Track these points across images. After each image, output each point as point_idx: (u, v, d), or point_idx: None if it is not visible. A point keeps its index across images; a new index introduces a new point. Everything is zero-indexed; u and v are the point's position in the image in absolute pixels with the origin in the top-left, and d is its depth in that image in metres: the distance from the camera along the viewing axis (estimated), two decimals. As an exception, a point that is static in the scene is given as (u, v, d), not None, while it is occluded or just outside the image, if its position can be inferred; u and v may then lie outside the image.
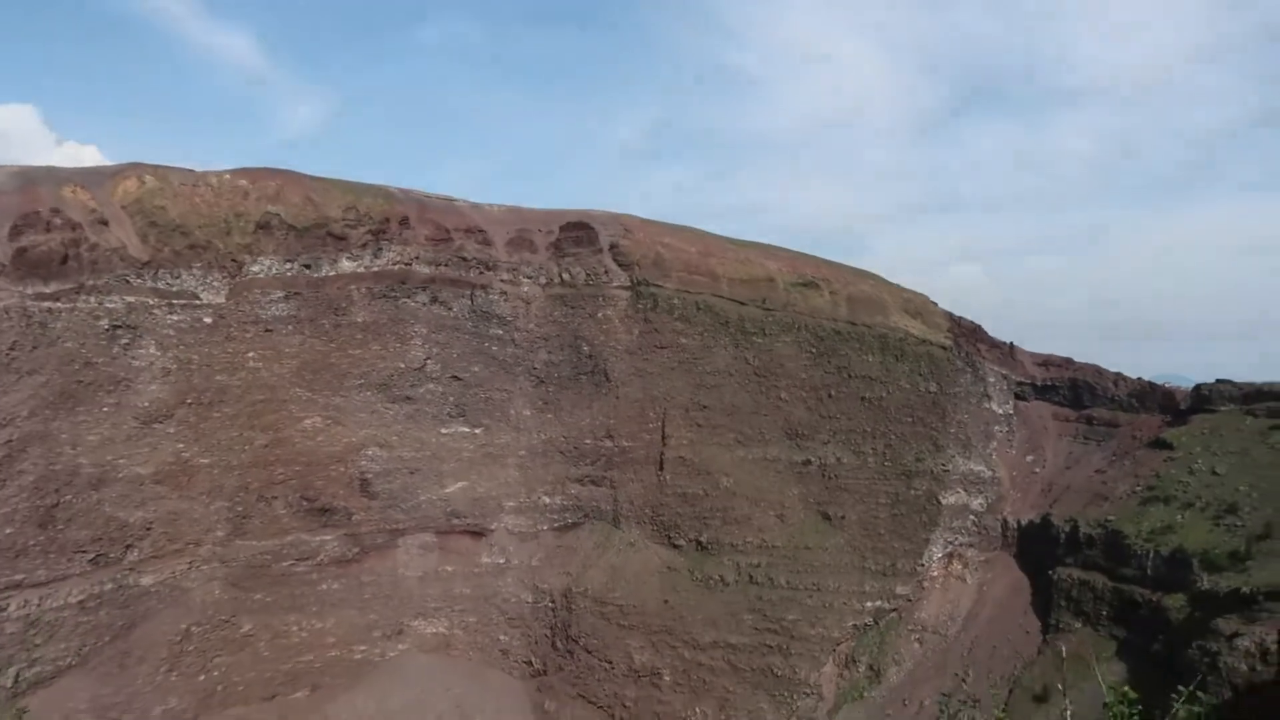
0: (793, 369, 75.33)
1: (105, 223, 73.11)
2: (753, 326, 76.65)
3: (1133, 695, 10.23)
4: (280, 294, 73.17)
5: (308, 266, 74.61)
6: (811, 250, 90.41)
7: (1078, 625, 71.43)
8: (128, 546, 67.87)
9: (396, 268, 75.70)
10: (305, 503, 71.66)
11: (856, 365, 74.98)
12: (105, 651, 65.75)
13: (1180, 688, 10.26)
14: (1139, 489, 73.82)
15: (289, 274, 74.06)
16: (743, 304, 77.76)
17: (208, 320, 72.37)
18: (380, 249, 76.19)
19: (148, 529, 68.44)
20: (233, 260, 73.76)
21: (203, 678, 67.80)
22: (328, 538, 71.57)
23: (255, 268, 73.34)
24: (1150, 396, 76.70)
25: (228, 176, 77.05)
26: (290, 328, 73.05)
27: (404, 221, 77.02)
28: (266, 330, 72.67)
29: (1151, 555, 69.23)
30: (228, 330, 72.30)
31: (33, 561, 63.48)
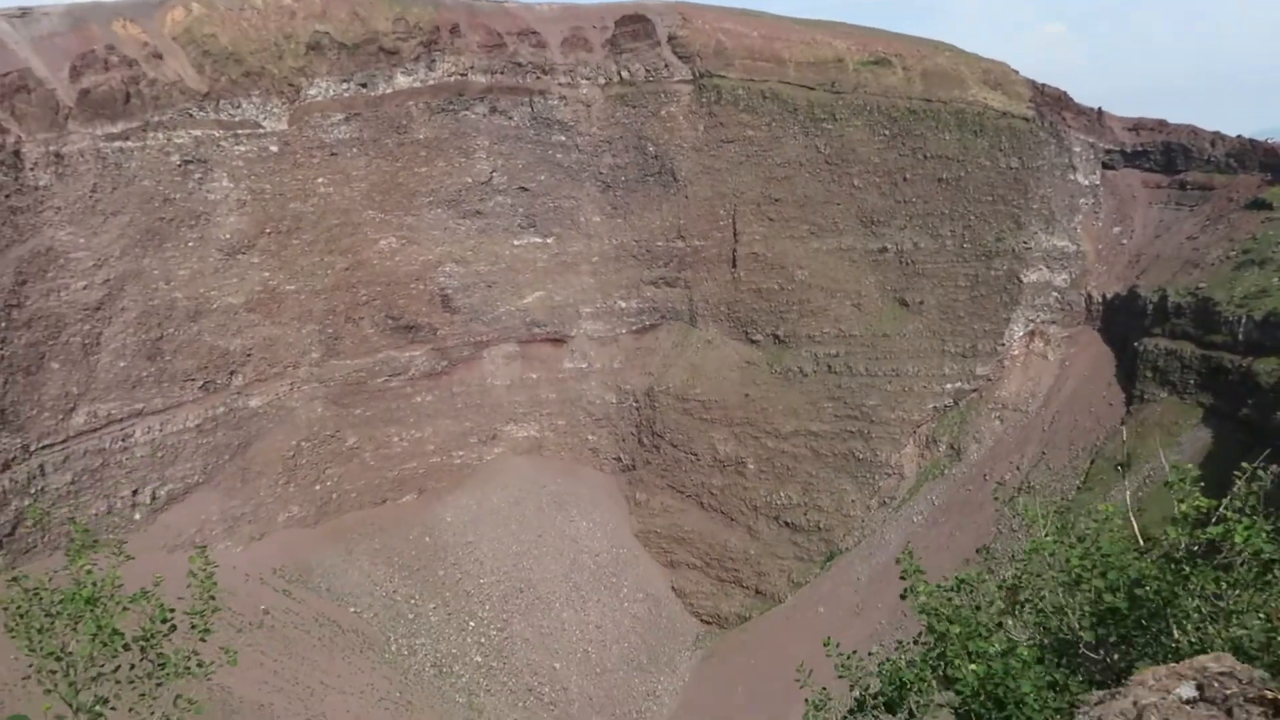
0: (865, 154, 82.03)
1: (160, 56, 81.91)
2: (822, 112, 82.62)
3: (1194, 473, 10.64)
4: (340, 116, 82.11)
5: (364, 85, 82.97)
6: (882, 23, 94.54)
7: (1163, 395, 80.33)
8: (231, 373, 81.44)
9: (453, 79, 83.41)
10: (391, 321, 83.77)
11: (933, 145, 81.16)
12: (227, 469, 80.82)
13: (1244, 465, 10.55)
14: (1233, 253, 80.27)
15: (346, 94, 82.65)
16: (811, 89, 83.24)
17: (274, 149, 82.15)
18: (434, 61, 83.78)
19: (248, 355, 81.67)
20: (289, 85, 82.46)
21: (318, 487, 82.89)
22: (416, 353, 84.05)
23: (312, 91, 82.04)
24: (1250, 155, 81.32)
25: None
26: (355, 150, 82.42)
27: (454, 29, 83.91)
28: (332, 154, 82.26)
29: (1244, 320, 76.50)
30: (294, 157, 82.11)
31: (148, 391, 77.35)
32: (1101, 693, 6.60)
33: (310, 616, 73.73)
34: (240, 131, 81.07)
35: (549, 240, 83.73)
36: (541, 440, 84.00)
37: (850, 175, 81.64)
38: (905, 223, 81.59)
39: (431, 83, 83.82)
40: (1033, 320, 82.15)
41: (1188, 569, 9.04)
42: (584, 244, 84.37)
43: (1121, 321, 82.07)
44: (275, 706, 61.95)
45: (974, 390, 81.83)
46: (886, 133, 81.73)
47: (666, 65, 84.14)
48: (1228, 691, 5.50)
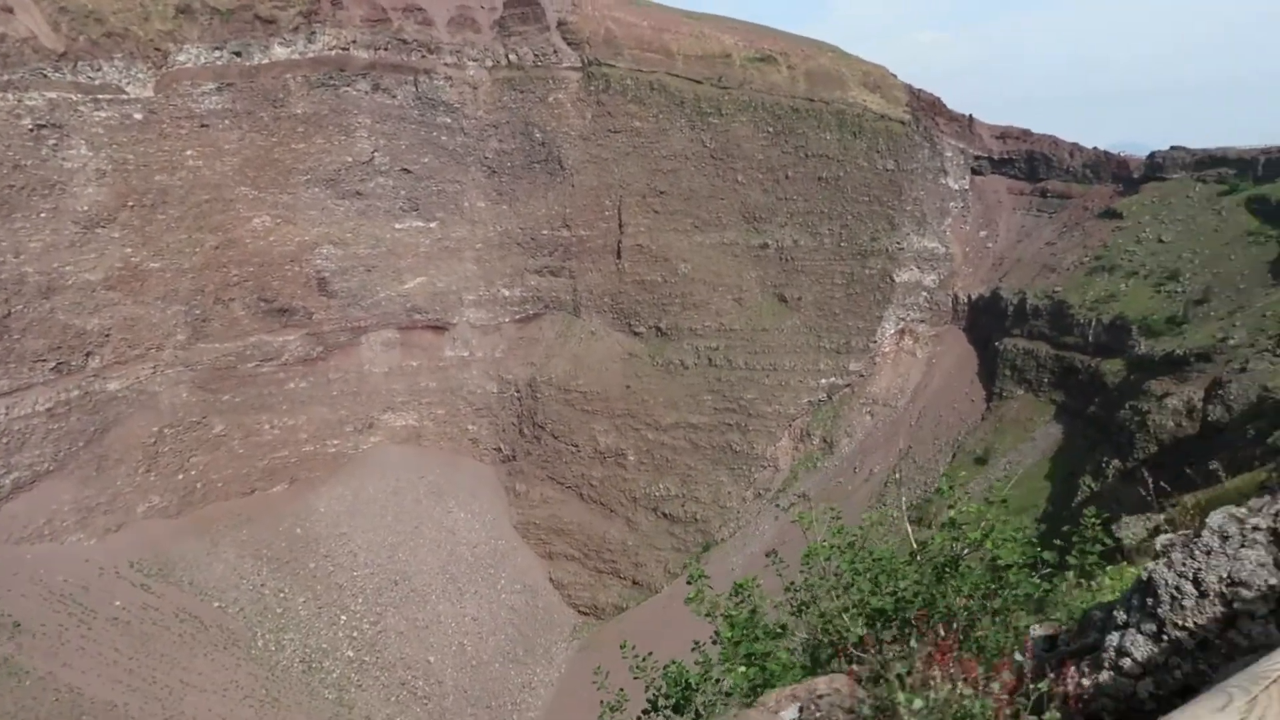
0: (750, 150, 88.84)
1: (9, 10, 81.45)
2: (709, 106, 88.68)
3: (964, 478, 12.19)
4: (212, 85, 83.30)
5: (238, 54, 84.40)
6: (769, 20, 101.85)
7: (1020, 392, 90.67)
8: (88, 354, 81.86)
9: (333, 53, 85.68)
10: (264, 304, 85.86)
11: (814, 144, 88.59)
12: (81, 456, 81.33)
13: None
14: (1086, 259, 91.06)
15: (219, 63, 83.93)
16: (698, 82, 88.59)
17: (138, 116, 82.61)
18: (314, 32, 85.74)
19: (106, 335, 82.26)
20: (156, 49, 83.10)
21: (181, 476, 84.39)
22: (290, 338, 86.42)
23: (181, 57, 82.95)
24: (1104, 166, 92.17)
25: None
26: (227, 122, 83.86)
27: (336, 1, 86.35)
28: (202, 125, 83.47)
29: (1093, 323, 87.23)
30: (160, 127, 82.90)
31: (-7, 371, 78.01)
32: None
33: (170, 612, 75.43)
34: (101, 96, 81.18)
35: (432, 225, 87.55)
36: (420, 429, 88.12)
37: (735, 171, 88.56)
38: (786, 220, 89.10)
39: (311, 55, 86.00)
40: (903, 319, 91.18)
41: (947, 572, 9.61)
42: (468, 230, 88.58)
43: (984, 322, 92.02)
44: (130, 707, 63.74)
45: (847, 385, 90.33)
46: (770, 130, 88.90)
47: (555, 50, 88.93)
48: (818, 715, 5.96)
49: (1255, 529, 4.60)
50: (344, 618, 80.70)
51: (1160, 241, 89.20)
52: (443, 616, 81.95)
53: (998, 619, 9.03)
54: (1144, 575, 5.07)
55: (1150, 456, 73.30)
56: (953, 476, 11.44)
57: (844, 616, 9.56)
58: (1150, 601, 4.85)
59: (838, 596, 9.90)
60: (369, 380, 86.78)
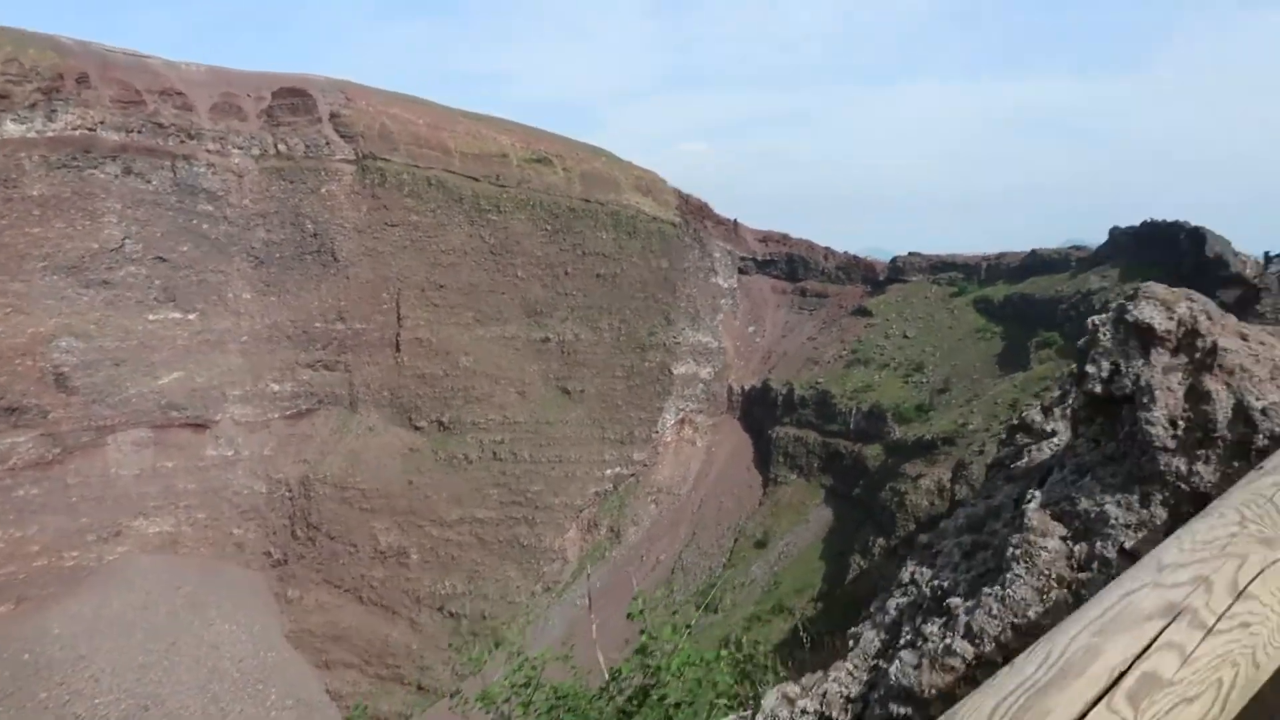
0: (529, 246, 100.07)
1: None
2: (487, 203, 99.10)
3: (661, 598, 13.99)
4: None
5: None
6: (549, 125, 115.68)
7: (793, 477, 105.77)
8: None
9: (78, 133, 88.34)
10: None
11: (591, 242, 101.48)
12: None
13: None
14: (844, 353, 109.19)
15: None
16: (476, 180, 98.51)
17: None
18: (54, 111, 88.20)
19: None
20: None
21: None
22: (20, 439, 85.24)
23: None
24: (854, 268, 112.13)
25: None
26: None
27: (82, 79, 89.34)
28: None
29: (854, 412, 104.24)
30: None
31: None
32: None
33: None
34: None
35: (191, 316, 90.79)
36: (177, 536, 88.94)
37: (514, 266, 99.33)
38: (567, 314, 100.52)
39: (50, 134, 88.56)
40: (682, 409, 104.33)
41: (632, 704, 9.55)
42: (232, 321, 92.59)
43: (758, 411, 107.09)
44: None
45: (631, 475, 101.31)
46: (549, 228, 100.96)
47: (328, 142, 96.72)
48: None
49: (804, 712, 5.22)
50: (81, 755, 79.29)
51: (905, 337, 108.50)
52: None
53: None
54: None
55: (909, 534, 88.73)
56: (648, 599, 11.12)
57: None
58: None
59: None
60: (116, 484, 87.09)
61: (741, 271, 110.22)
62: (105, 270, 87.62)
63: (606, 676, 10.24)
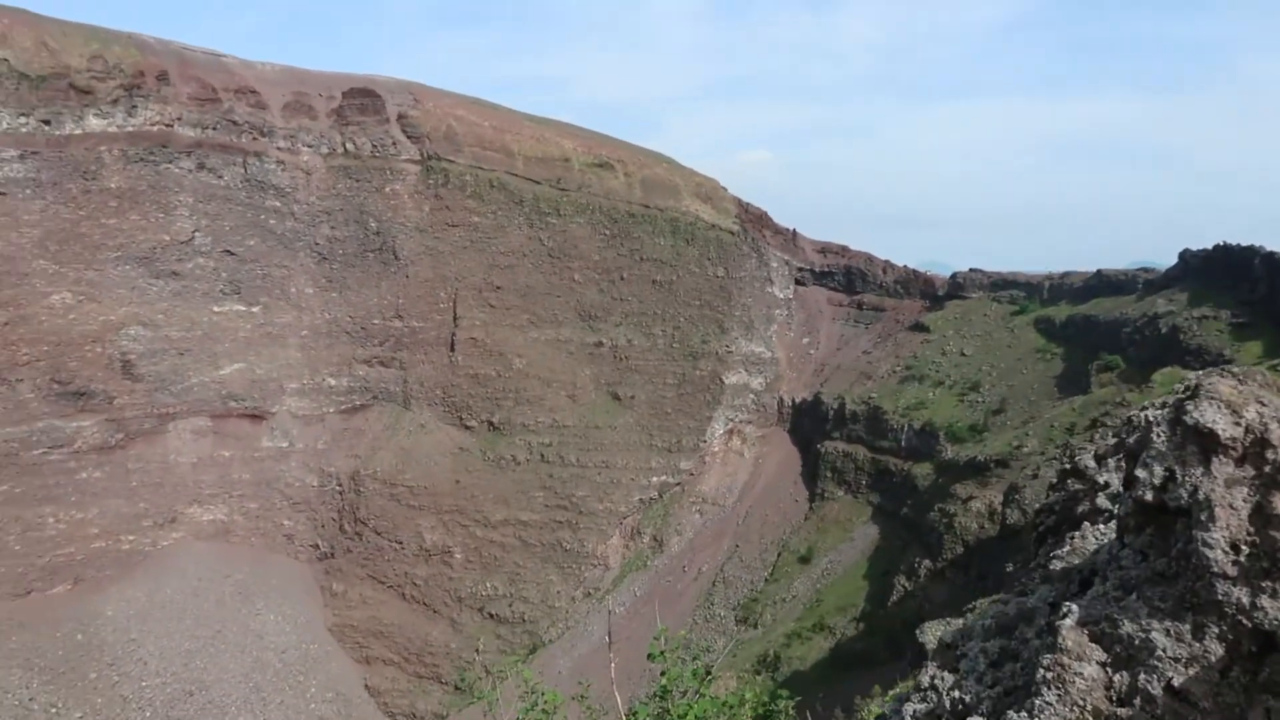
0: (586, 250, 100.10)
1: None
2: (547, 206, 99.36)
3: (683, 636, 11.34)
4: (14, 153, 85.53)
5: (46, 123, 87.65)
6: (607, 129, 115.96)
7: (840, 493, 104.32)
8: None
9: (156, 129, 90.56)
10: (57, 386, 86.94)
11: (649, 248, 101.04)
12: None
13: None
14: (898, 369, 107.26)
15: (24, 130, 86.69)
16: (537, 183, 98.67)
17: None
18: (135, 107, 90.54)
19: None
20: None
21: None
22: (86, 423, 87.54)
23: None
24: (913, 283, 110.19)
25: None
26: (29, 192, 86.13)
27: (162, 76, 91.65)
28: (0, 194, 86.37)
29: (905, 429, 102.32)
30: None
31: None
32: None
33: None
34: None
35: (255, 309, 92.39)
36: (230, 524, 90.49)
37: (571, 270, 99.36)
38: (621, 319, 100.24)
39: (130, 129, 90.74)
40: (732, 419, 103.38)
41: None
42: (294, 315, 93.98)
43: (807, 424, 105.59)
44: None
45: (677, 484, 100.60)
46: (607, 232, 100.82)
47: (395, 143, 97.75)
48: None
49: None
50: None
51: (963, 355, 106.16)
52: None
53: None
54: None
55: (957, 557, 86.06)
56: (673, 639, 10.71)
57: None
58: None
59: None
60: (174, 471, 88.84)
61: (798, 282, 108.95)
62: (175, 262, 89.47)
63: (623, 718, 9.98)
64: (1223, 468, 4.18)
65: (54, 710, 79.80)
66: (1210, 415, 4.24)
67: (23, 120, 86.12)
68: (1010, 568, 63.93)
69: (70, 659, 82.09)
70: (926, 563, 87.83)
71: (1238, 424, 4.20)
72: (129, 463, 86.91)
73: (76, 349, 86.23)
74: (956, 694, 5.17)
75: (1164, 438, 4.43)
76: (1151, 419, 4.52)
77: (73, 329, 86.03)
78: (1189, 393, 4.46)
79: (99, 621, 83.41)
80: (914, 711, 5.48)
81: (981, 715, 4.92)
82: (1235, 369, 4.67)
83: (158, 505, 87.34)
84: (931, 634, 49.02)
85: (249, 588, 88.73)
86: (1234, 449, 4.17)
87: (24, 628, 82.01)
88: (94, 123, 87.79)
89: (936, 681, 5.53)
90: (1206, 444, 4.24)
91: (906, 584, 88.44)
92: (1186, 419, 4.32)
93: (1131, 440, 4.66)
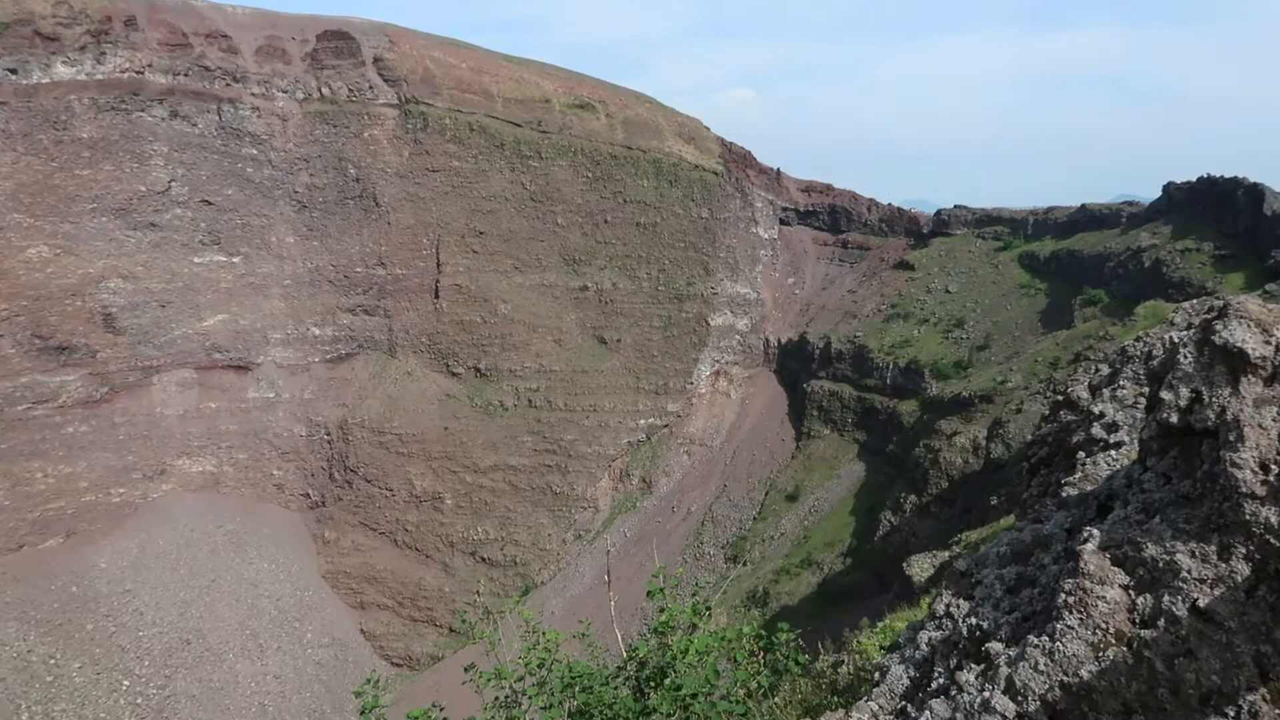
0: (569, 194, 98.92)
1: None
2: (529, 149, 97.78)
3: (679, 574, 11.02)
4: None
5: (13, 71, 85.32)
6: (589, 71, 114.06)
7: (826, 432, 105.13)
8: None
9: (126, 76, 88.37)
10: (38, 341, 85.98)
11: (632, 190, 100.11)
12: None
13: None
14: (884, 307, 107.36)
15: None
16: (518, 125, 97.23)
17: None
18: (103, 53, 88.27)
19: None
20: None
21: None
22: (69, 378, 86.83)
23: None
24: (898, 221, 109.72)
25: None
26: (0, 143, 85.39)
27: (130, 22, 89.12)
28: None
29: (891, 367, 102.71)
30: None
31: None
32: None
33: None
34: None
35: (235, 259, 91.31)
36: (219, 475, 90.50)
37: (554, 213, 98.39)
38: (605, 263, 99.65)
39: (100, 77, 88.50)
40: (718, 361, 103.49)
41: (650, 688, 9.21)
42: (275, 265, 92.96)
43: (793, 364, 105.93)
44: None
45: (665, 426, 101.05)
46: (589, 175, 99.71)
47: (371, 86, 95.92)
48: None
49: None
50: (126, 683, 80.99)
51: (947, 292, 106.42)
52: (241, 676, 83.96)
53: None
54: None
55: (942, 492, 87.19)
56: (668, 576, 10.57)
57: None
58: None
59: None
60: (161, 423, 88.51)
61: (783, 222, 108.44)
62: (152, 213, 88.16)
63: (624, 656, 9.98)
64: (1252, 387, 4.10)
65: (52, 661, 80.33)
66: (1240, 334, 4.15)
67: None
68: (995, 501, 64.87)
69: (66, 611, 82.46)
70: (912, 498, 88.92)
71: (1268, 343, 4.11)
72: (115, 416, 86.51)
73: (56, 303, 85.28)
74: (973, 620, 5.16)
75: (1191, 359, 4.35)
76: (1177, 340, 4.43)
77: (51, 283, 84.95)
78: (1216, 313, 4.36)
79: (93, 574, 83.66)
80: (930, 639, 5.46)
81: (1000, 640, 4.90)
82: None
83: (146, 458, 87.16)
84: (918, 567, 49.63)
85: (241, 537, 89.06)
86: (1263, 368, 4.09)
87: (18, 581, 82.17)
88: (62, 71, 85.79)
89: (952, 609, 5.51)
90: (1235, 364, 4.16)
91: (892, 519, 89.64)
92: (1215, 339, 4.23)
93: (1155, 363, 4.57)
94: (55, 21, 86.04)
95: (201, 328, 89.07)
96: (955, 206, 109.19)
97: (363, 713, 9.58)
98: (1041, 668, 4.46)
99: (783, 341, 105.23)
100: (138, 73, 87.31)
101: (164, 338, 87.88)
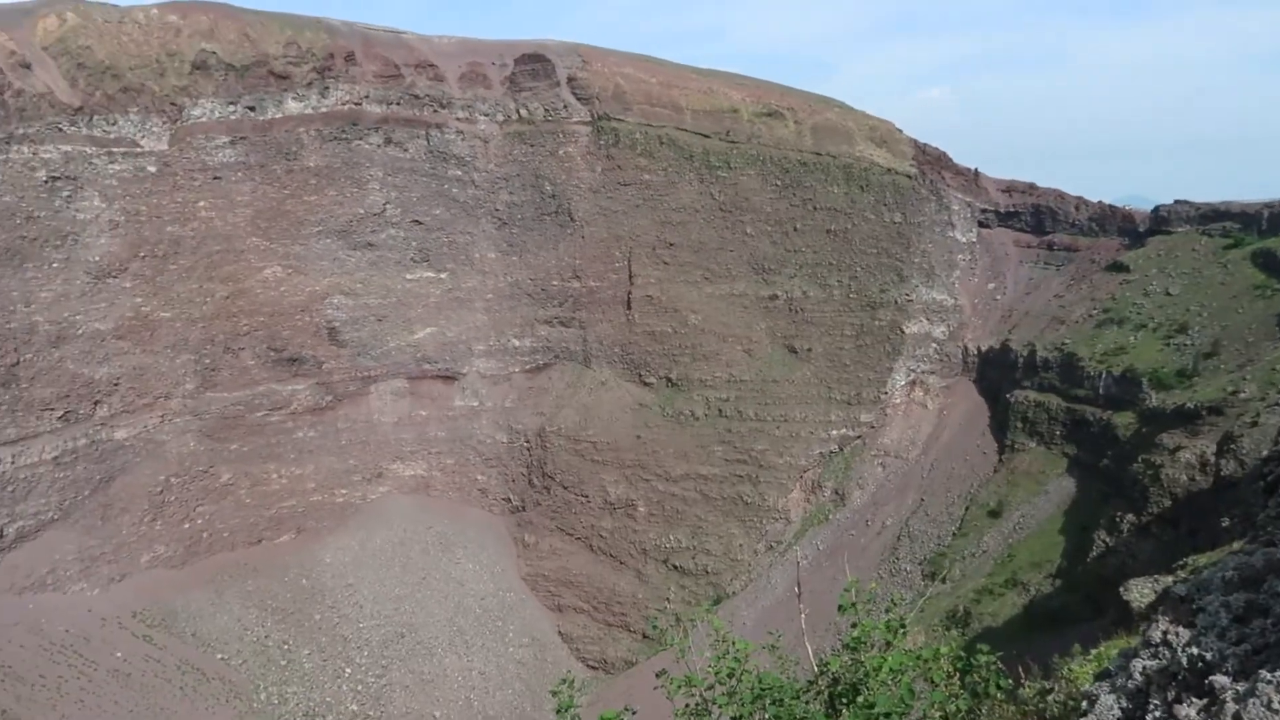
0: (758, 203, 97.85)
1: (28, 66, 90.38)
2: (717, 160, 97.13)
3: (874, 588, 11.00)
4: (225, 139, 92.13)
5: (251, 109, 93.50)
6: (774, 78, 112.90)
7: (1031, 445, 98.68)
8: (96, 402, 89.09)
9: (346, 108, 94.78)
10: (273, 353, 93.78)
11: (821, 197, 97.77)
12: (86, 505, 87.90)
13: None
14: (1095, 312, 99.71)
15: (233, 117, 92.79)
16: (706, 136, 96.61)
17: (151, 169, 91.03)
18: (327, 88, 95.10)
19: (115, 384, 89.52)
20: (171, 104, 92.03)
21: (187, 525, 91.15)
22: (299, 387, 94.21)
23: (196, 111, 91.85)
24: (1110, 220, 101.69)
25: (155, 12, 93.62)
26: (240, 174, 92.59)
27: (349, 57, 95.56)
28: (215, 178, 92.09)
29: (1104, 376, 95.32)
30: (174, 179, 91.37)
31: (0, 420, 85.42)
32: None
33: (172, 664, 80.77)
34: (115, 149, 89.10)
35: (442, 275, 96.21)
36: (429, 479, 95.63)
37: (743, 223, 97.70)
38: (795, 271, 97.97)
39: (324, 110, 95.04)
40: (914, 370, 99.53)
41: (842, 705, 9.04)
42: (478, 280, 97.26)
43: (994, 374, 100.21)
44: (130, 759, 70.02)
45: (858, 437, 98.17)
46: (778, 183, 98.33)
47: (565, 105, 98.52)
48: None
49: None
50: (349, 670, 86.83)
51: (1168, 294, 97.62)
52: (449, 670, 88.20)
53: None
54: None
55: (1164, 511, 79.74)
56: (861, 590, 10.36)
57: None
58: None
59: None
60: (378, 430, 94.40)
61: (982, 224, 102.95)
62: (369, 233, 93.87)
63: (815, 670, 9.87)
64: None
65: (286, 647, 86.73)
66: None
67: (231, 108, 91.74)
68: (1226, 523, 58.85)
69: (297, 601, 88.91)
70: (1130, 517, 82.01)
71: None
72: (338, 422, 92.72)
73: (288, 318, 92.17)
74: (1194, 650, 4.35)
75: None
76: None
77: (284, 300, 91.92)
78: None
79: (319, 568, 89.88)
80: (1144, 668, 4.64)
81: (1226, 674, 4.03)
82: None
83: (365, 462, 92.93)
84: (1137, 592, 45.57)
85: (449, 538, 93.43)
86: None
87: (258, 572, 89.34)
88: (292, 105, 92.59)
89: (1170, 637, 4.71)
90: None
91: (1107, 539, 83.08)
92: None
93: None
94: (286, 61, 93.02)
95: (413, 340, 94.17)
96: (1176, 202, 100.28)
97: (559, 712, 9.75)
98: (1276, 706, 3.62)
99: (983, 349, 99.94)
100: (356, 104, 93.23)
101: (380, 349, 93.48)
